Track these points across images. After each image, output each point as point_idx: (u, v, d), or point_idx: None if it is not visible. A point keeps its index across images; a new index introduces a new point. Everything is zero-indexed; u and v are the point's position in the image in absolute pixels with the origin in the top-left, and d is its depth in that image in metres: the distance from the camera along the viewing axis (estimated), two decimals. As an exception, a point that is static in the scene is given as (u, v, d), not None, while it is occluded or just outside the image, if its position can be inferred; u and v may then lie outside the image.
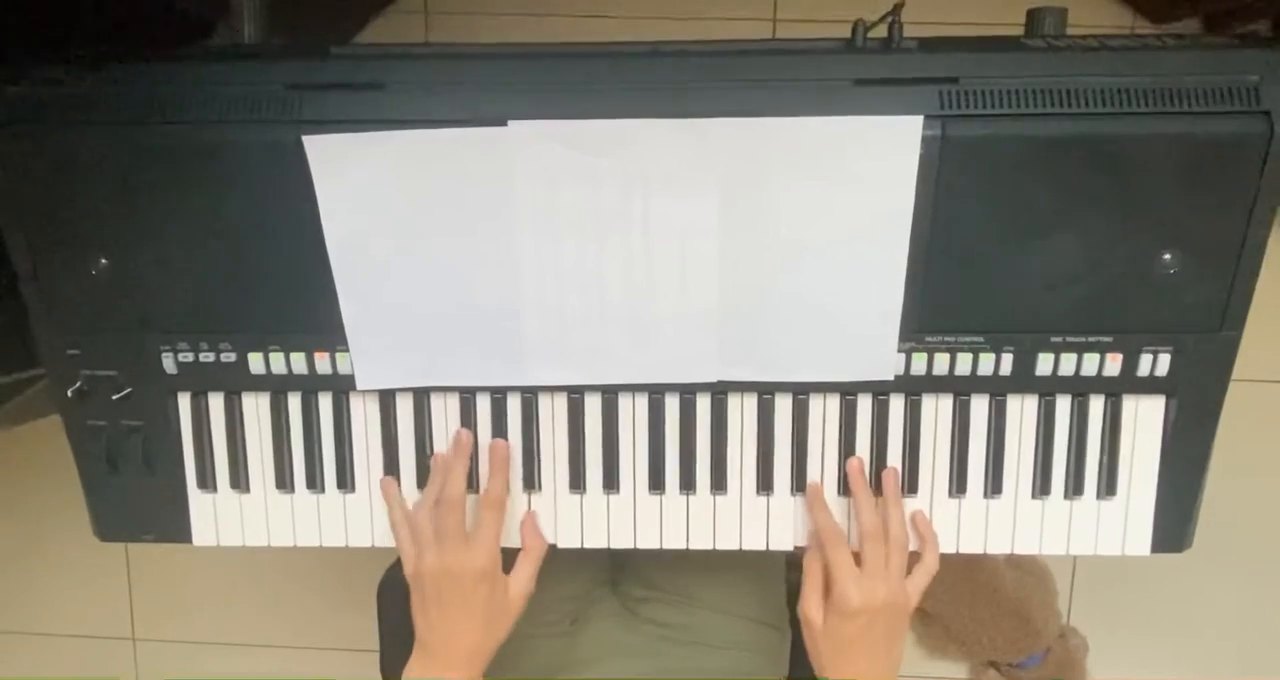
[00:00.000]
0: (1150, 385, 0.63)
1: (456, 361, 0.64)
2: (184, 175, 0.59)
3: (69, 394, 0.65)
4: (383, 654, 0.93)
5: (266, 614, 1.53)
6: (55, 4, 0.68)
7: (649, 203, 0.58)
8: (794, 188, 0.58)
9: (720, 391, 0.65)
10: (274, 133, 0.58)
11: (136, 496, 0.69)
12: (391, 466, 0.68)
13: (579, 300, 0.61)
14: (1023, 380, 0.63)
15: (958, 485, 0.66)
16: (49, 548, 1.53)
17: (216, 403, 0.67)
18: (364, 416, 0.67)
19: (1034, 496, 0.66)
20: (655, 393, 0.66)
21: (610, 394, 0.66)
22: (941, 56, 0.57)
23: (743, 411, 0.66)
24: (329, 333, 0.63)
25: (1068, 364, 0.62)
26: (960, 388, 0.64)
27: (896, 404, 0.65)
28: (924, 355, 0.62)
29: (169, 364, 0.65)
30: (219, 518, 0.69)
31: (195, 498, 0.69)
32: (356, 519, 0.69)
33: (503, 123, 0.57)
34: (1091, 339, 0.61)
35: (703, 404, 0.66)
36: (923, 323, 0.61)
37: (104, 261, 0.62)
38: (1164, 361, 0.62)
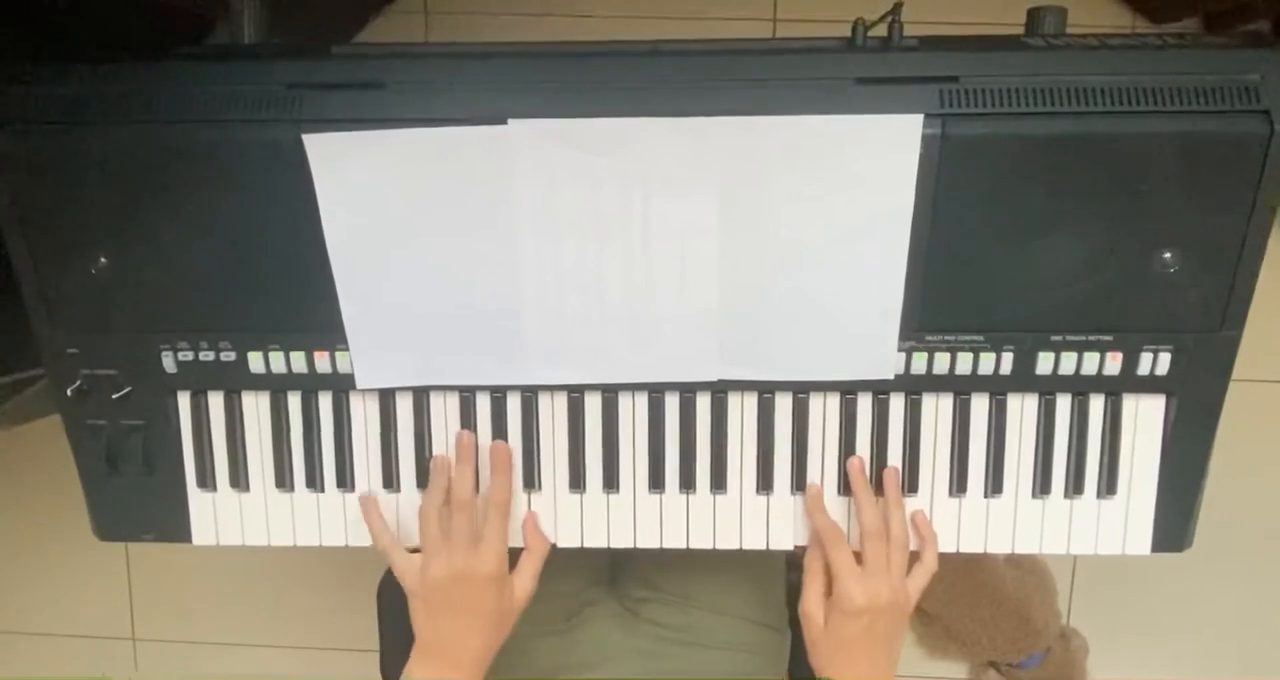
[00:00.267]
0: (1150, 384, 0.63)
1: (456, 360, 0.64)
2: (184, 175, 0.59)
3: (69, 393, 0.65)
4: (383, 654, 0.93)
5: (266, 614, 1.53)
6: (55, 4, 0.68)
7: (649, 201, 0.58)
8: (794, 187, 0.58)
9: (720, 391, 0.65)
10: (274, 132, 0.58)
11: (136, 496, 0.69)
12: (390, 466, 0.67)
13: (579, 299, 0.61)
14: (1023, 379, 0.63)
15: (958, 485, 0.66)
16: (49, 548, 1.53)
17: (216, 402, 0.67)
18: (364, 416, 0.67)
19: (1034, 496, 0.66)
20: (655, 392, 0.66)
21: (610, 393, 0.66)
22: (942, 55, 0.57)
23: (743, 411, 0.66)
24: (329, 332, 0.63)
25: (1068, 363, 0.62)
26: (960, 387, 0.64)
27: (897, 403, 0.65)
28: (924, 354, 0.62)
29: (169, 363, 0.65)
30: (219, 517, 0.69)
31: (195, 497, 0.69)
32: (356, 518, 0.69)
33: (503, 121, 0.57)
34: (1092, 338, 0.61)
35: (703, 403, 0.66)
36: (923, 322, 0.61)
37: (104, 261, 0.62)
38: (1164, 361, 0.62)
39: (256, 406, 0.67)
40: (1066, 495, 0.66)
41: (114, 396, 0.65)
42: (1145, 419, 0.64)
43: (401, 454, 0.68)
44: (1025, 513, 0.66)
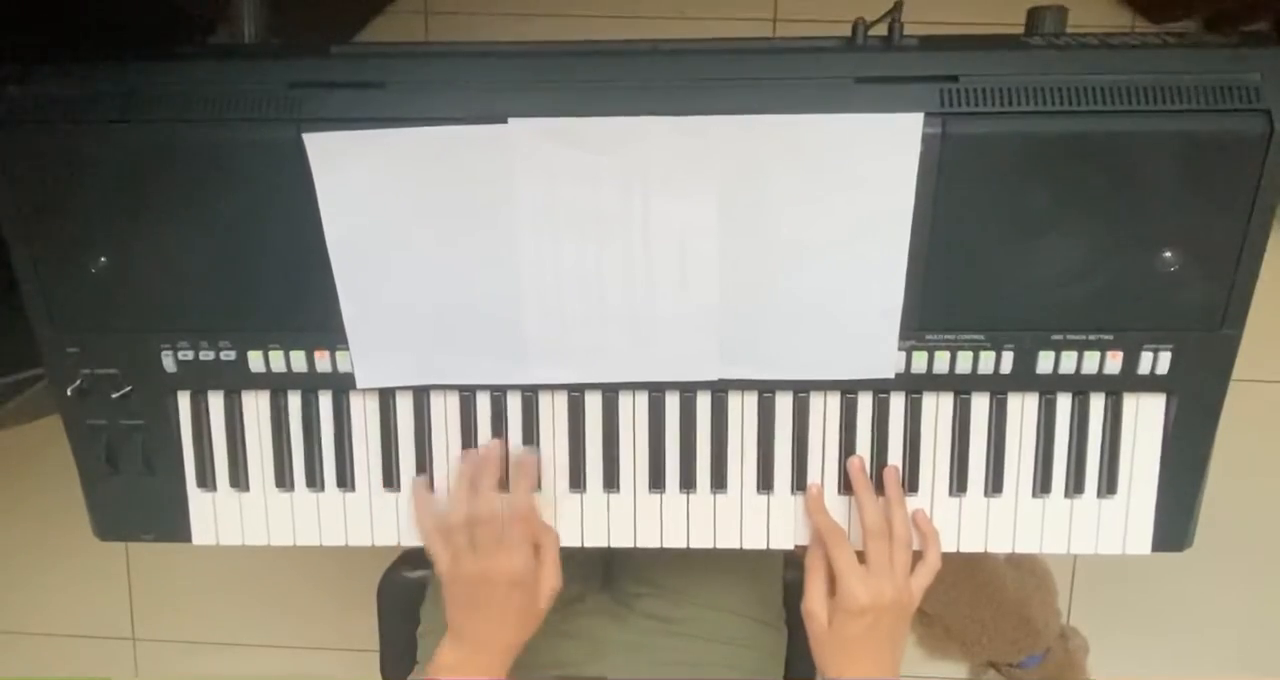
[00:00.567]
0: (1151, 384, 0.63)
1: (456, 360, 0.64)
2: (184, 174, 0.59)
3: (69, 393, 0.65)
4: (383, 654, 0.93)
5: (266, 614, 1.53)
6: (55, 4, 0.68)
7: (649, 201, 0.58)
8: (794, 186, 0.58)
9: (721, 390, 0.65)
10: (274, 131, 0.58)
11: (136, 496, 0.69)
12: (391, 465, 0.68)
13: (579, 298, 0.61)
14: (1023, 378, 0.63)
15: (958, 484, 0.66)
16: (49, 548, 1.53)
17: (216, 401, 0.67)
18: (364, 415, 0.67)
19: (1034, 495, 0.66)
20: (655, 391, 0.66)
21: (610, 392, 0.66)
22: (942, 55, 0.57)
23: (743, 410, 0.66)
24: (329, 331, 0.63)
25: (1068, 362, 0.62)
26: (961, 386, 0.64)
27: (897, 402, 0.65)
28: (924, 353, 0.62)
29: (169, 362, 0.65)
30: (219, 517, 0.69)
31: (195, 497, 0.69)
32: (356, 518, 0.69)
33: (503, 120, 0.57)
34: (1092, 337, 0.61)
35: (703, 402, 0.66)
36: (923, 321, 0.61)
37: (104, 261, 0.62)
38: (1164, 360, 0.62)
39: (256, 406, 0.67)
40: (1067, 495, 0.66)
41: (114, 396, 0.65)
42: (1145, 418, 0.64)
43: (401, 454, 0.67)
44: (1025, 512, 0.66)
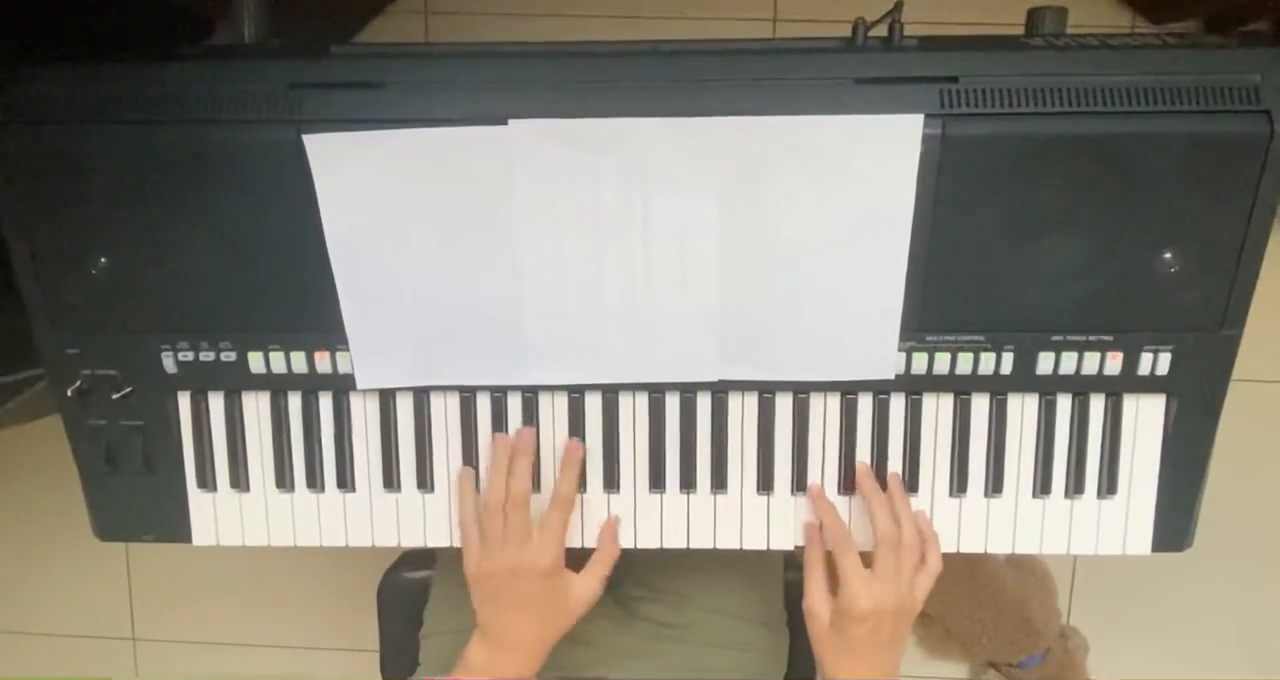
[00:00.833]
0: (1151, 384, 0.63)
1: (457, 361, 0.64)
2: (184, 175, 0.59)
3: (69, 394, 0.65)
4: (383, 654, 0.93)
5: (266, 614, 1.53)
6: (55, 4, 0.68)
7: (649, 201, 0.58)
8: (794, 187, 0.58)
9: (721, 391, 0.65)
10: (274, 132, 0.58)
11: (136, 496, 0.69)
12: (391, 466, 0.68)
13: (579, 299, 0.61)
14: (1023, 379, 0.63)
15: (958, 485, 0.66)
16: (49, 548, 1.53)
17: (216, 402, 0.67)
18: (364, 416, 0.67)
19: (1035, 496, 0.66)
20: (655, 392, 0.66)
21: (610, 393, 0.66)
22: (942, 55, 0.57)
23: (743, 411, 0.66)
24: (329, 332, 0.63)
25: (1068, 363, 0.62)
26: (961, 387, 0.64)
27: (897, 403, 0.65)
28: (924, 354, 0.62)
29: (169, 363, 0.65)
30: (219, 517, 0.69)
31: (195, 497, 0.69)
32: (356, 519, 0.69)
33: (503, 121, 0.57)
34: (1092, 338, 0.61)
35: (703, 403, 0.66)
36: (923, 322, 0.61)
37: (104, 261, 0.62)
38: (1164, 361, 0.62)
39: (257, 407, 0.67)
40: (1067, 495, 0.66)
41: (114, 397, 0.65)
42: (1145, 419, 0.64)
43: (402, 454, 0.68)
44: (1025, 513, 0.66)
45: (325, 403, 0.67)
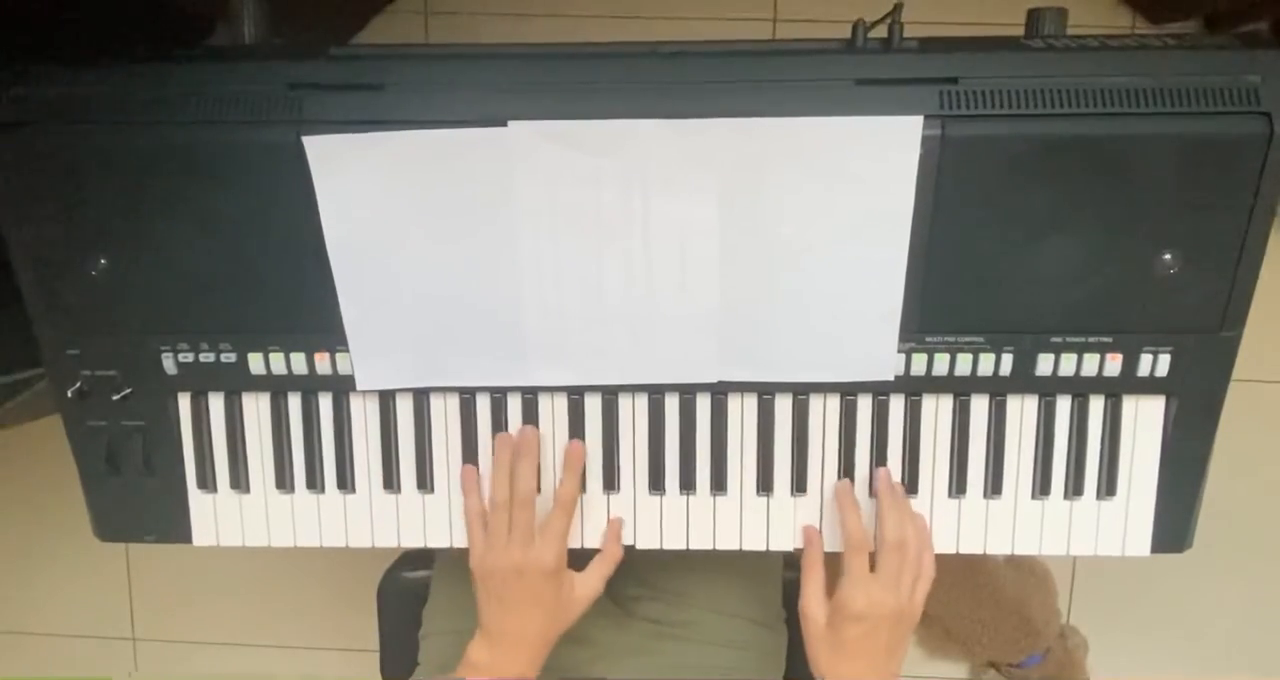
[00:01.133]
0: (1150, 385, 0.63)
1: (456, 362, 0.64)
2: (184, 175, 0.59)
3: (69, 394, 0.65)
4: (383, 654, 0.93)
5: (266, 614, 1.53)
6: (55, 4, 0.68)
7: (649, 203, 0.58)
8: (794, 188, 0.58)
9: (720, 392, 0.65)
10: (274, 133, 0.58)
11: (136, 497, 0.69)
12: (391, 467, 0.68)
13: (579, 300, 0.61)
14: (1023, 380, 0.63)
15: (958, 485, 0.66)
16: (49, 548, 1.53)
17: (216, 403, 0.67)
18: (364, 417, 0.67)
19: (1034, 497, 0.66)
20: (655, 393, 0.66)
21: (610, 394, 0.66)
22: (942, 56, 0.57)
23: (743, 412, 0.66)
24: (329, 333, 0.63)
25: (1068, 364, 0.62)
26: (960, 388, 0.64)
27: (896, 404, 0.65)
28: (924, 355, 0.62)
29: (169, 364, 0.65)
30: (219, 518, 0.69)
31: (195, 498, 0.69)
32: (356, 519, 0.69)
33: (503, 123, 0.57)
34: (1091, 339, 0.61)
35: (703, 404, 0.66)
36: (923, 323, 0.61)
37: (104, 261, 0.62)
38: (1164, 362, 0.62)
39: (257, 408, 0.67)
40: (1066, 496, 0.66)
41: (114, 397, 0.65)
42: (1145, 420, 0.64)
43: (402, 455, 0.68)
44: (1025, 513, 0.66)
45: (325, 404, 0.67)
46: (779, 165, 0.57)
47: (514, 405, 0.66)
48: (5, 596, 1.57)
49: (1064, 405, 0.65)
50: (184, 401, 0.67)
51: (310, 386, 0.66)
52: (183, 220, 0.60)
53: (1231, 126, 0.55)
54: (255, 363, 0.65)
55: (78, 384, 0.65)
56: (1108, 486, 0.65)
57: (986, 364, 0.62)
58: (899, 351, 0.62)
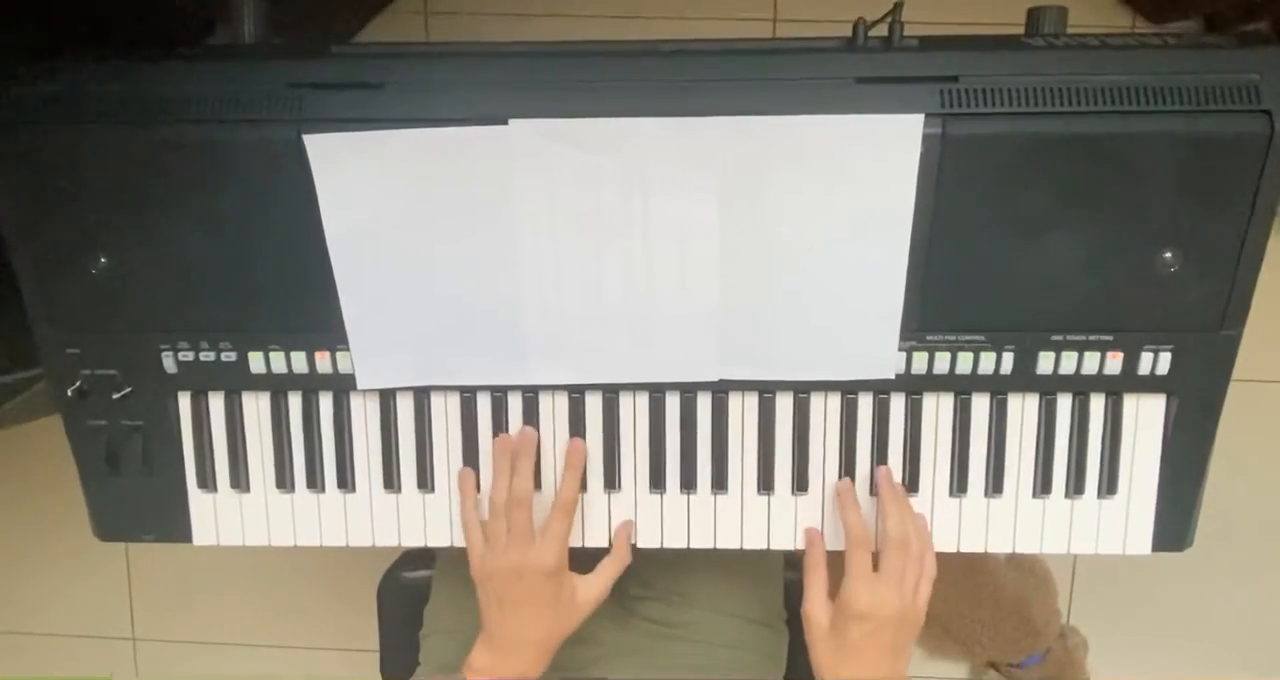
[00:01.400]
0: (1151, 384, 0.63)
1: (457, 361, 0.64)
2: (184, 175, 0.59)
3: (69, 394, 0.65)
4: (383, 654, 0.93)
5: (266, 614, 1.53)
6: (55, 3, 0.68)
7: (649, 201, 0.58)
8: (794, 186, 0.58)
9: (721, 391, 0.65)
10: (274, 132, 0.58)
11: (136, 496, 0.69)
12: (391, 466, 0.68)
13: (579, 299, 0.61)
14: (1023, 379, 0.63)
15: (958, 484, 0.66)
16: (49, 548, 1.53)
17: (216, 402, 0.67)
18: (364, 416, 0.67)
19: (1035, 495, 0.66)
20: (656, 392, 0.66)
21: (611, 393, 0.66)
22: (942, 55, 0.57)
23: (743, 411, 0.66)
24: (329, 332, 0.63)
25: (1068, 363, 0.62)
26: (961, 387, 0.64)
27: (897, 403, 0.65)
28: (925, 354, 0.62)
29: (169, 363, 0.65)
30: (219, 518, 0.69)
31: (195, 497, 0.69)
32: (357, 519, 0.69)
33: (503, 121, 0.57)
34: (1092, 338, 0.61)
35: (703, 403, 0.66)
36: (923, 321, 0.61)
37: (104, 261, 0.62)
38: (1165, 360, 0.62)
39: (257, 407, 0.67)
40: (1067, 495, 0.66)
41: (114, 397, 0.65)
42: (1146, 419, 0.64)
43: (402, 454, 0.68)
44: (1026, 512, 0.66)
45: (325, 403, 0.67)
46: (779, 164, 0.57)
47: (514, 404, 0.66)
48: (5, 596, 1.57)
49: (1065, 404, 0.65)
50: (184, 401, 0.67)
51: (310, 385, 0.66)
52: (183, 219, 0.60)
53: (1232, 125, 0.55)
54: (255, 362, 0.64)
55: (78, 383, 0.65)
56: (1108, 485, 0.65)
57: (987, 362, 0.62)
58: (900, 350, 0.62)
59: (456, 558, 0.67)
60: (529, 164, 0.57)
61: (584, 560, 0.66)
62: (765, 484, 0.66)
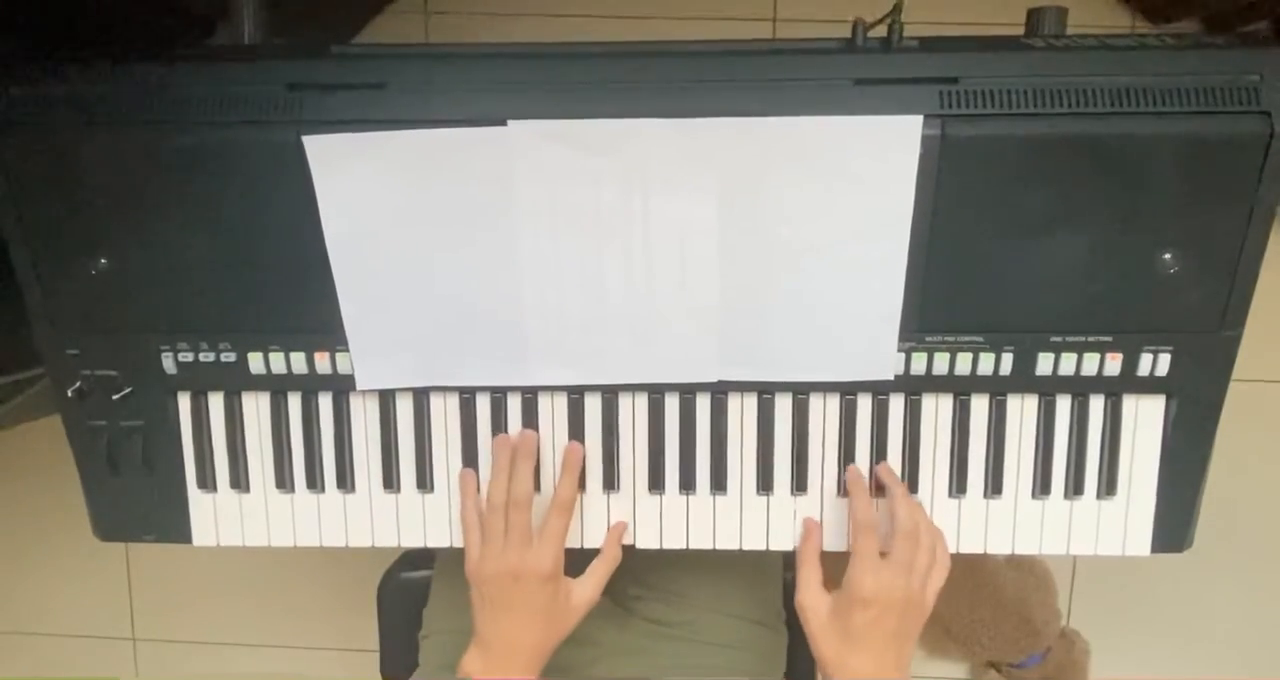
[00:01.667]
0: (1150, 385, 0.63)
1: (456, 361, 0.64)
2: (184, 175, 0.59)
3: (69, 394, 0.65)
4: (383, 654, 0.93)
5: (266, 614, 1.53)
6: (56, 4, 0.68)
7: (649, 202, 0.58)
8: (794, 187, 0.58)
9: (720, 391, 0.65)
10: (274, 133, 0.58)
11: (136, 497, 0.69)
12: (391, 467, 0.68)
13: (579, 300, 0.61)
14: (1023, 380, 0.63)
15: (958, 485, 0.66)
16: (49, 548, 1.53)
17: (216, 403, 0.67)
18: (364, 416, 0.67)
19: (1034, 496, 0.66)
20: (655, 393, 0.66)
21: (610, 394, 0.66)
22: (941, 56, 0.57)
23: (743, 411, 0.66)
24: (329, 333, 0.63)
25: (1068, 364, 0.62)
26: (960, 387, 0.64)
27: (896, 404, 0.65)
28: (924, 355, 0.62)
29: (169, 364, 0.65)
30: (219, 518, 0.69)
31: (195, 498, 0.69)
32: (356, 519, 0.69)
33: (503, 122, 0.57)
34: (1091, 339, 0.61)
35: (703, 404, 0.66)
36: (923, 322, 0.61)
37: (104, 261, 0.62)
38: (1164, 361, 0.62)
39: (257, 407, 0.67)
40: (1066, 496, 0.66)
41: (114, 397, 0.65)
42: (1145, 419, 0.64)
43: (402, 455, 0.68)
44: (1025, 513, 0.66)
45: (325, 403, 0.67)
46: (779, 165, 0.57)
47: (514, 405, 0.66)
48: (5, 596, 1.57)
49: (1064, 405, 0.65)
50: (184, 401, 0.67)
51: (310, 386, 0.66)
52: (183, 220, 0.60)
53: (1231, 126, 0.55)
54: (255, 362, 0.65)
55: (78, 384, 0.65)
56: (1108, 486, 0.65)
57: (986, 363, 0.62)
58: (899, 351, 0.62)
59: (456, 558, 0.67)
60: (529, 165, 0.57)
61: (575, 562, 0.66)
62: (764, 485, 0.66)
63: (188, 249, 0.61)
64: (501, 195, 0.58)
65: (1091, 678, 1.41)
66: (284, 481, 0.68)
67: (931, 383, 0.64)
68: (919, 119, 0.56)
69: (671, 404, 0.66)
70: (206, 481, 0.68)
